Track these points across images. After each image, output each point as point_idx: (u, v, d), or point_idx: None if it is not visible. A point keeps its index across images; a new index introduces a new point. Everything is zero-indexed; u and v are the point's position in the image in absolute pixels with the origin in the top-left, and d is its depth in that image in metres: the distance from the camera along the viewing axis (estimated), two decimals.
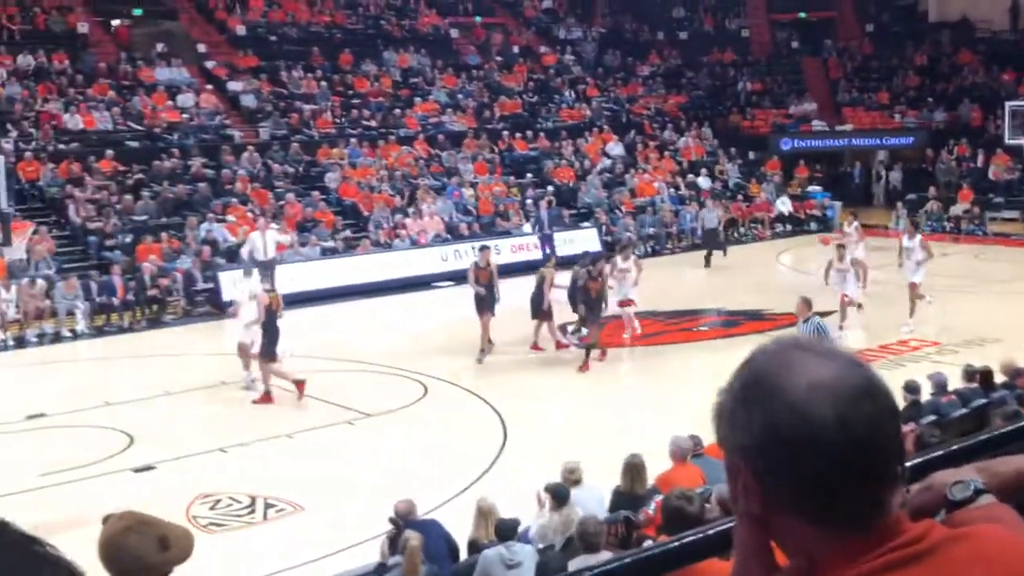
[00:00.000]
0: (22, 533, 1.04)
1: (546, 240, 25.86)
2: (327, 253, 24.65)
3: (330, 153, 28.81)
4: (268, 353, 15.19)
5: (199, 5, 34.11)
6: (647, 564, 1.71)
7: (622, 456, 9.17)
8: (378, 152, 29.66)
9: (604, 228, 28.51)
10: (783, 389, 1.23)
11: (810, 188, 33.98)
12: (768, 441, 1.23)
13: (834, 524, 1.23)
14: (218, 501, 11.44)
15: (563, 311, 17.98)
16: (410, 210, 27.03)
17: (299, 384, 15.18)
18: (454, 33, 37.77)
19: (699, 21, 42.83)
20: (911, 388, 11.16)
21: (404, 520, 8.42)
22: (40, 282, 20.50)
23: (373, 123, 31.05)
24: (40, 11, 30.40)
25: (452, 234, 26.58)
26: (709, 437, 8.84)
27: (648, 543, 5.92)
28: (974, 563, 1.20)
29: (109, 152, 25.87)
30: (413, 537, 7.59)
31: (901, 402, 10.51)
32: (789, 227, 31.72)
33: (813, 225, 31.49)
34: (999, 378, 11.55)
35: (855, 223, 22.36)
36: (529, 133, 32.68)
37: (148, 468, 12.55)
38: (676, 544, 1.74)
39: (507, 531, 8.02)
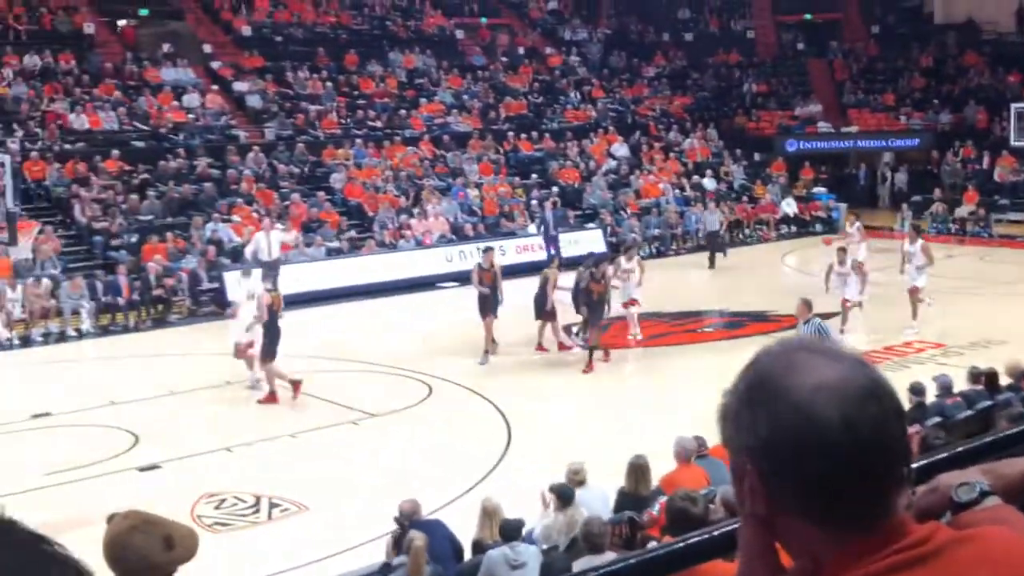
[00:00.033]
0: (30, 532, 1.04)
1: (551, 241, 25.86)
2: (332, 253, 24.67)
3: (335, 153, 28.83)
4: (269, 353, 15.21)
5: (205, 5, 34.15)
6: (651, 565, 1.71)
7: (626, 457, 9.17)
8: (383, 153, 29.67)
9: (609, 229, 28.50)
10: (788, 390, 1.23)
11: (815, 190, 33.94)
12: (774, 442, 1.23)
13: (839, 525, 1.23)
14: (223, 501, 11.45)
15: (567, 312, 17.98)
16: (415, 211, 27.04)
17: (295, 384, 15.19)
18: (459, 34, 37.79)
19: (704, 22, 42.81)
20: (916, 390, 11.15)
21: (409, 520, 8.42)
22: (45, 281, 20.53)
23: (378, 124, 31.07)
24: (46, 11, 30.44)
25: (457, 235, 26.59)
26: (713, 438, 8.82)
27: (652, 544, 5.92)
28: (980, 565, 1.20)
29: (115, 152, 25.90)
30: (418, 537, 7.59)
31: (906, 404, 10.48)
32: (794, 228, 31.68)
33: (818, 227, 31.44)
34: (1004, 380, 11.52)
35: (857, 223, 22.36)
36: (534, 134, 32.67)
37: (153, 467, 12.57)
38: (681, 545, 1.74)
39: (511, 531, 8.02)
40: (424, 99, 32.96)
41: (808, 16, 41.57)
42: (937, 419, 10.33)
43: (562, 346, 17.91)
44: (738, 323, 19.72)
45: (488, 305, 17.35)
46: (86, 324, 20.28)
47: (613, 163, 32.79)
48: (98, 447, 13.20)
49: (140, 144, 27.14)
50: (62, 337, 19.97)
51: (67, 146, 26.09)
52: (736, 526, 1.40)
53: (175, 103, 28.76)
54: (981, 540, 1.23)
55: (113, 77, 28.96)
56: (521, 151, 32.15)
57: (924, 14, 41.57)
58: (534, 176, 31.01)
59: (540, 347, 17.92)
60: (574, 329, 18.32)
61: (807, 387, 1.23)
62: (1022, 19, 38.23)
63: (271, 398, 15.17)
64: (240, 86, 30.54)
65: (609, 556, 6.53)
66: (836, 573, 1.23)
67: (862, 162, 37.45)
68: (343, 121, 30.78)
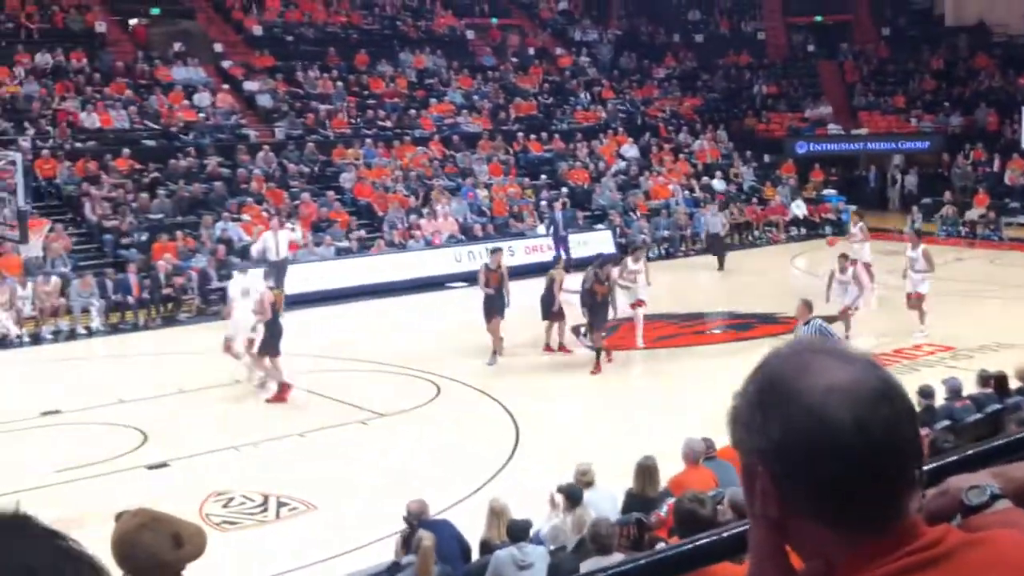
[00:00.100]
0: (45, 528, 1.05)
1: (561, 242, 25.85)
2: (341, 253, 24.70)
3: (345, 153, 28.86)
4: (270, 348, 15.23)
5: (216, 5, 34.24)
6: (660, 566, 1.71)
7: (634, 458, 9.16)
8: (393, 153, 29.70)
9: (618, 230, 28.49)
10: (800, 392, 1.23)
11: (825, 192, 33.88)
12: (786, 444, 1.23)
13: (851, 527, 1.23)
14: (231, 499, 11.48)
15: (575, 313, 17.95)
16: (424, 211, 27.06)
17: (285, 387, 15.24)
18: (470, 34, 37.80)
19: (715, 24, 42.77)
20: (925, 393, 11.12)
21: (417, 520, 8.43)
22: (56, 279, 20.59)
23: (388, 124, 31.10)
24: (58, 9, 30.56)
25: (466, 235, 26.59)
26: (722, 440, 8.83)
27: (660, 545, 5.92)
28: (991, 568, 1.20)
29: (125, 151, 25.97)
30: (427, 537, 7.59)
31: (915, 407, 10.46)
32: (804, 231, 31.60)
33: (828, 229, 31.31)
34: (1014, 383, 11.48)
35: (860, 223, 22.31)
36: (544, 135, 32.65)
37: (162, 465, 12.60)
38: (689, 546, 1.73)
39: (519, 532, 8.02)
40: (434, 99, 32.98)
41: (818, 18, 41.51)
42: (946, 422, 10.31)
43: (562, 348, 17.90)
44: (747, 325, 19.68)
45: (494, 307, 17.31)
46: (96, 322, 20.34)
47: (623, 164, 32.76)
48: (107, 445, 13.24)
49: (151, 143, 27.20)
50: (72, 335, 20.04)
51: (78, 144, 26.15)
52: (745, 528, 1.40)
53: (186, 102, 28.83)
54: (992, 543, 1.23)
55: (124, 76, 29.04)
56: (531, 152, 32.15)
57: (935, 16, 41.45)
58: (543, 177, 31.00)
59: (548, 348, 17.91)
60: (582, 330, 18.31)
61: (819, 389, 1.23)
62: None
63: (279, 397, 15.21)
64: (251, 85, 30.60)
65: (617, 557, 6.53)
66: (848, 575, 1.23)
67: (872, 164, 37.36)
68: (353, 121, 30.81)
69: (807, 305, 14.36)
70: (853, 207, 31.36)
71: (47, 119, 26.48)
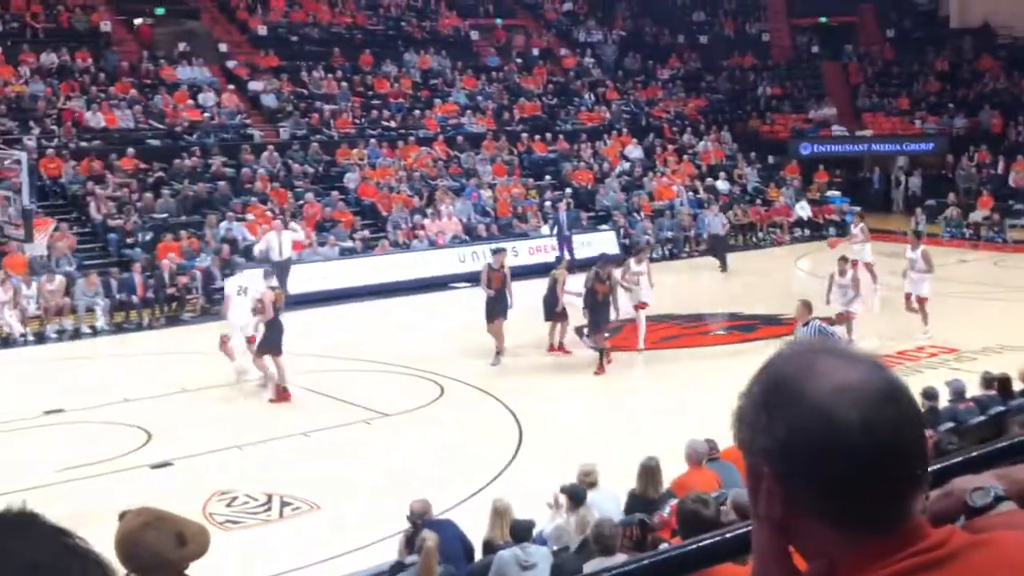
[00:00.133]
0: (52, 525, 1.06)
1: (564, 242, 25.85)
2: (345, 253, 24.71)
3: (349, 153, 28.88)
4: (270, 346, 15.24)
5: (221, 5, 34.25)
6: (663, 567, 1.71)
7: (637, 459, 9.16)
8: (397, 153, 29.70)
9: (622, 231, 28.48)
10: (806, 392, 1.24)
11: (829, 193, 33.85)
12: (792, 445, 1.23)
13: (856, 527, 1.23)
14: (235, 498, 11.49)
15: (577, 314, 17.94)
16: (428, 211, 27.07)
17: (280, 390, 15.27)
18: (474, 35, 37.80)
19: (719, 25, 42.72)
20: (929, 394, 11.11)
21: (420, 519, 8.44)
22: (60, 278, 20.61)
23: (393, 124, 31.11)
24: (64, 9, 30.59)
25: (470, 235, 26.60)
26: (725, 441, 8.84)
27: (664, 546, 5.92)
28: (995, 569, 1.20)
29: (130, 150, 26.00)
30: (430, 537, 7.60)
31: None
32: (808, 232, 31.57)
33: (832, 230, 31.23)
34: (1017, 385, 11.47)
35: (861, 224, 22.29)
36: (548, 135, 32.65)
37: (165, 465, 12.62)
38: (692, 547, 1.74)
39: (522, 532, 8.03)
40: (438, 100, 32.98)
41: (823, 19, 41.47)
42: (950, 424, 10.30)
43: (562, 348, 17.90)
44: (750, 326, 19.66)
45: (496, 308, 17.30)
46: (100, 321, 20.36)
47: (627, 165, 32.75)
48: (110, 444, 13.26)
49: (155, 142, 27.22)
50: (76, 334, 20.06)
51: (83, 144, 26.18)
52: (748, 529, 1.40)
53: (190, 102, 28.84)
54: (997, 545, 1.23)
55: (129, 75, 29.07)
56: (535, 152, 32.15)
57: (939, 18, 41.41)
58: (548, 177, 30.99)
59: (552, 348, 17.91)
60: (584, 331, 18.30)
61: (826, 389, 1.23)
62: None
63: (283, 396, 15.22)
64: (255, 85, 30.63)
65: (620, 558, 6.53)
66: (852, 575, 1.23)
67: (876, 166, 37.31)
68: (357, 121, 30.82)
69: (806, 306, 14.34)
70: (857, 208, 31.40)
71: (52, 118, 26.51)
